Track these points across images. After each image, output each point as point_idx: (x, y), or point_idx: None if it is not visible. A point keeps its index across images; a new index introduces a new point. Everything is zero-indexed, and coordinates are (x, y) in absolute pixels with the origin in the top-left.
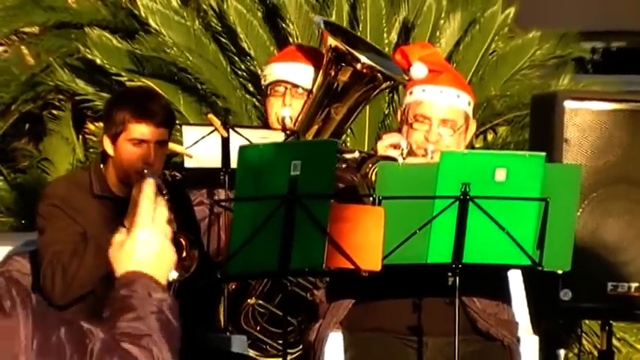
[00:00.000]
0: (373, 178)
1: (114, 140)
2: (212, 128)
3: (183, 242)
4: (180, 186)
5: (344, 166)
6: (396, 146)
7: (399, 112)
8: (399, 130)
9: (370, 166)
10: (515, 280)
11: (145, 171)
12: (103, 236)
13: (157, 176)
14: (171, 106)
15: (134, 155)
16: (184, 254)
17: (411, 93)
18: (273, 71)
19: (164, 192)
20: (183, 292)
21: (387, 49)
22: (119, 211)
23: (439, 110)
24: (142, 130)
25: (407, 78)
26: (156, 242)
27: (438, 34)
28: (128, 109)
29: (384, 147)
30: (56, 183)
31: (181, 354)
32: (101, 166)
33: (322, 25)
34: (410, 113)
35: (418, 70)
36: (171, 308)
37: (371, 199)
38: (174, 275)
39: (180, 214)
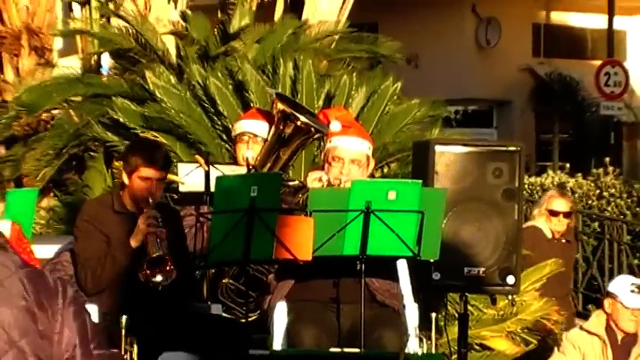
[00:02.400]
0: (304, 203)
1: (129, 175)
2: (198, 165)
3: (168, 260)
4: (176, 204)
5: (287, 190)
6: (320, 180)
7: (322, 155)
8: (322, 167)
9: (300, 195)
10: (402, 265)
11: (150, 199)
12: (118, 248)
13: (155, 203)
14: (169, 152)
15: (142, 187)
16: (169, 267)
17: (330, 141)
18: (241, 126)
19: (160, 223)
20: (181, 279)
21: (316, 111)
22: (131, 223)
23: (349, 153)
24: (148, 172)
25: (328, 131)
26: None
27: (350, 100)
28: (140, 156)
29: (311, 180)
30: (88, 204)
31: (178, 319)
32: (120, 191)
33: (274, 95)
34: (329, 155)
35: (334, 125)
36: None
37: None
38: (159, 279)
39: (173, 228)
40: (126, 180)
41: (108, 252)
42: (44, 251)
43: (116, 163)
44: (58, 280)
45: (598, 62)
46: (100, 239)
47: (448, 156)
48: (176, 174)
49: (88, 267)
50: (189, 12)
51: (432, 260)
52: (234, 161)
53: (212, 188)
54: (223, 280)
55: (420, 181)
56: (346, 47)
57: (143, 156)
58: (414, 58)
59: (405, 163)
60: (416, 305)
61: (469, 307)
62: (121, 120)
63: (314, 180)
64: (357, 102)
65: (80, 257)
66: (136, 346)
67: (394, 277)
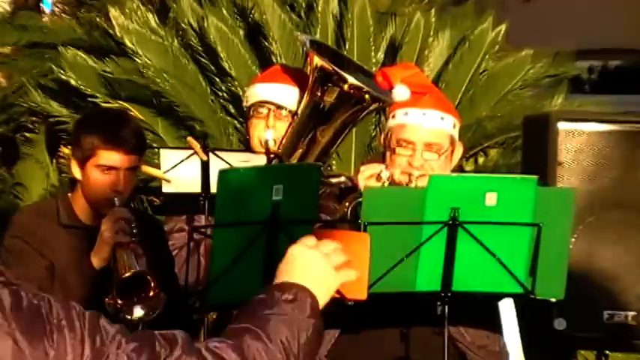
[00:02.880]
0: (353, 217)
1: (82, 165)
2: (191, 152)
3: (152, 282)
4: (158, 213)
5: (328, 191)
6: (378, 175)
7: (382, 137)
8: (383, 155)
9: (347, 204)
10: (507, 308)
11: (115, 199)
12: (70, 271)
13: (127, 209)
14: (144, 130)
15: (103, 182)
16: (152, 293)
17: (393, 116)
18: (256, 92)
19: (134, 229)
20: (161, 325)
21: (374, 69)
22: (88, 240)
23: (423, 134)
24: (112, 157)
25: (391, 100)
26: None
27: (426, 52)
28: (98, 135)
29: (364, 179)
30: (21, 213)
31: None
32: (69, 194)
33: (308, 44)
34: (393, 138)
35: (400, 92)
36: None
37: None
38: (139, 313)
39: (152, 246)
40: (77, 173)
41: (52, 286)
42: None
43: (65, 150)
44: None
45: None
46: (40, 265)
47: (578, 138)
48: (158, 167)
49: None
50: None
51: (553, 300)
52: (247, 147)
53: (213, 188)
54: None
55: (535, 177)
56: None
57: (102, 133)
58: None
59: (512, 150)
60: None
61: None
62: (73, 83)
63: (370, 176)
64: (437, 55)
65: None
66: None
67: (494, 326)
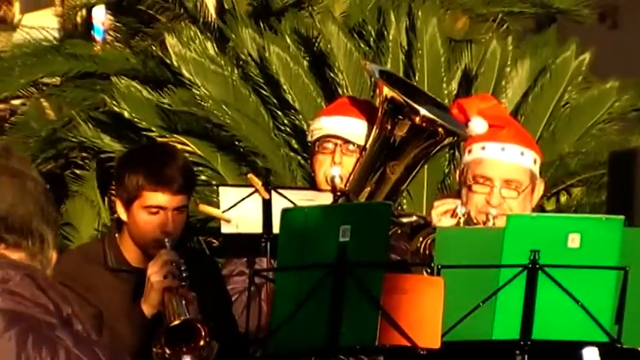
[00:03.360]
0: (426, 252)
1: (127, 206)
2: (252, 189)
3: (202, 330)
4: (217, 255)
5: (400, 230)
6: (453, 213)
7: (457, 173)
8: (458, 193)
9: (421, 239)
10: (592, 357)
11: (166, 241)
12: (119, 319)
13: (175, 246)
14: (200, 165)
15: (151, 224)
16: (202, 342)
17: (469, 151)
18: (322, 125)
19: (183, 272)
20: None
21: (446, 101)
22: (137, 284)
23: (501, 170)
24: (158, 198)
25: (467, 134)
26: None
27: (503, 83)
28: (142, 174)
29: (438, 215)
30: (66, 258)
31: None
32: (116, 235)
33: (377, 74)
34: (469, 174)
35: (477, 125)
36: None
37: (428, 268)
38: None
39: (209, 292)
40: (123, 215)
41: (103, 326)
42: None
43: None
44: None
45: None
46: (88, 312)
47: None
48: (217, 205)
49: None
50: None
51: None
52: (312, 184)
53: (275, 228)
54: None
55: (622, 217)
56: None
57: (147, 172)
58: (611, 13)
59: (596, 188)
60: None
61: None
62: (126, 115)
63: (444, 213)
64: (516, 86)
65: None
66: None
67: None
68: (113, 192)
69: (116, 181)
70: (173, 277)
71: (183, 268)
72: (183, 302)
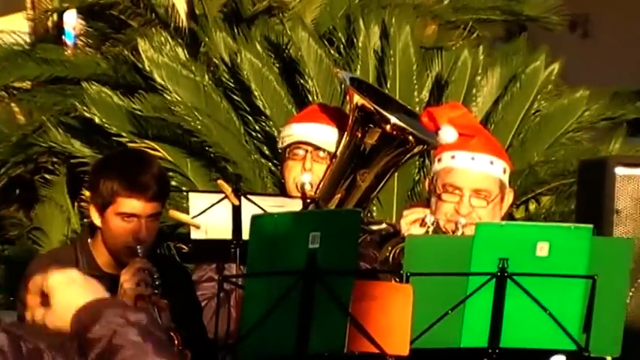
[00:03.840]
0: (395, 261)
1: (101, 211)
2: (222, 195)
3: (175, 339)
4: (186, 261)
5: (369, 238)
6: (422, 222)
7: (426, 181)
8: (428, 201)
9: (390, 249)
10: None
11: (138, 247)
12: None
13: (148, 253)
14: (171, 171)
15: (124, 230)
16: (176, 348)
17: (439, 160)
18: (293, 132)
19: (155, 280)
20: None
21: (417, 109)
22: (109, 290)
23: (471, 179)
24: (132, 204)
25: (437, 143)
26: None
27: (474, 91)
28: (117, 181)
29: (407, 224)
30: (37, 263)
31: None
32: (89, 240)
33: (348, 82)
34: (438, 182)
35: (447, 134)
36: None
37: (397, 277)
38: None
39: (179, 297)
40: (97, 220)
41: None
42: None
43: (87, 193)
44: None
45: None
46: None
47: (638, 184)
48: (187, 211)
49: None
50: None
51: (608, 359)
52: (282, 191)
53: (245, 235)
54: None
55: (591, 226)
56: (468, 3)
57: (122, 178)
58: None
59: (566, 197)
60: None
61: None
62: (97, 121)
63: (413, 222)
64: (487, 94)
65: None
66: None
67: None
68: (83, 197)
69: (91, 186)
70: (146, 285)
71: (155, 276)
72: (156, 310)
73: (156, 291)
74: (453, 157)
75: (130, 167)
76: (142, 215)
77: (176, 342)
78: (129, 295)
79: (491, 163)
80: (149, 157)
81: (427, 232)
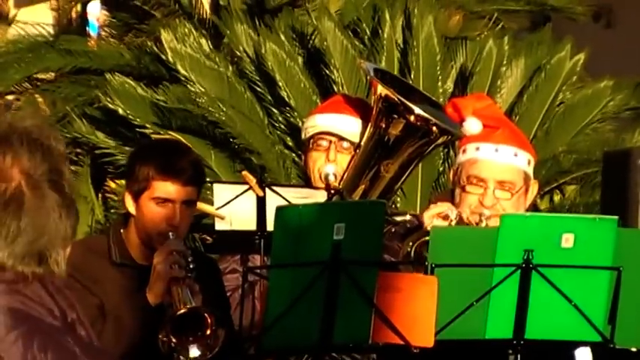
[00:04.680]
0: (417, 256)
1: (136, 198)
2: (246, 187)
3: (209, 319)
4: (210, 252)
5: (393, 230)
6: (446, 215)
7: (451, 173)
8: (452, 192)
9: (411, 244)
10: (584, 358)
11: (170, 234)
12: (123, 309)
13: (183, 241)
14: (202, 163)
15: (158, 215)
16: (209, 332)
17: (464, 151)
18: (317, 123)
19: (190, 263)
20: None
21: (441, 100)
22: (141, 280)
23: (495, 171)
24: (167, 188)
25: (461, 134)
26: None
27: (498, 82)
28: (153, 165)
29: (430, 217)
30: (71, 249)
31: None
32: (121, 230)
33: (372, 73)
34: (463, 174)
35: (472, 125)
36: None
37: (422, 268)
38: (195, 353)
39: (208, 287)
40: (131, 207)
41: (103, 325)
42: None
43: (112, 184)
44: None
45: None
46: (90, 303)
47: None
48: (211, 202)
49: None
50: None
51: (634, 350)
52: (306, 182)
53: (269, 226)
54: None
55: (616, 217)
56: None
57: (158, 163)
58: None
59: (590, 187)
60: None
61: None
62: (120, 112)
63: (437, 214)
64: (511, 85)
65: None
66: None
67: None
68: (108, 189)
69: (127, 173)
70: (180, 268)
71: (190, 260)
72: (189, 292)
73: (189, 274)
74: (477, 148)
75: (167, 153)
76: (177, 200)
77: (209, 322)
78: (163, 277)
79: (516, 155)
80: (185, 146)
81: (451, 223)
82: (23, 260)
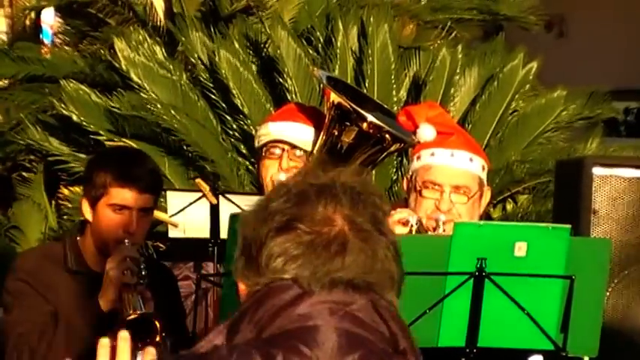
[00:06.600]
0: None
1: (93, 204)
2: (200, 194)
3: (158, 325)
4: (164, 259)
5: None
6: (404, 223)
7: (404, 181)
8: (406, 201)
9: None
10: None
11: (126, 241)
12: (75, 315)
13: (137, 248)
14: (159, 171)
15: (114, 222)
16: (158, 338)
17: (418, 158)
18: (270, 131)
19: (142, 270)
20: None
21: (395, 108)
22: (94, 287)
23: (451, 175)
24: (124, 195)
25: (414, 141)
26: None
27: (452, 91)
28: (110, 172)
29: (392, 224)
30: (26, 256)
31: None
32: (78, 237)
33: (325, 80)
34: (418, 180)
35: (426, 131)
36: None
37: None
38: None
39: (162, 294)
40: (88, 214)
41: (55, 330)
42: None
43: (65, 191)
44: None
45: None
46: (43, 309)
47: (615, 184)
48: (165, 210)
49: (25, 346)
50: None
51: (586, 358)
52: (259, 189)
53: (223, 233)
54: None
55: (568, 225)
56: (446, 3)
57: (116, 171)
58: (558, 22)
59: (543, 196)
60: None
61: None
62: (74, 119)
63: (398, 221)
64: (464, 93)
65: (12, 333)
66: None
67: None
68: (61, 196)
69: (84, 180)
70: (132, 274)
71: (142, 267)
72: (140, 298)
73: (142, 281)
74: (432, 154)
75: (125, 160)
76: (134, 207)
77: (159, 329)
78: (114, 283)
79: (471, 160)
80: (144, 154)
81: (411, 231)
82: (348, 285)
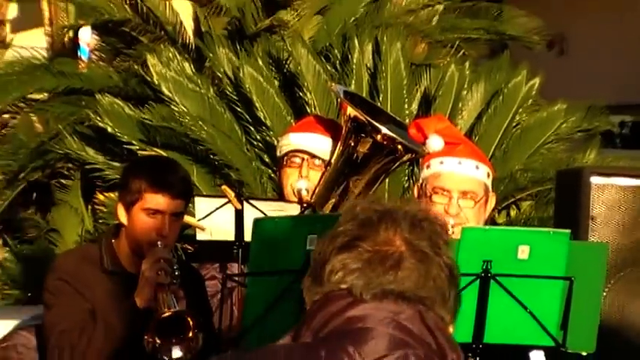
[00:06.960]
0: None
1: (128, 209)
2: (225, 200)
3: (191, 322)
4: (192, 260)
5: None
6: None
7: (415, 188)
8: None
9: None
10: None
11: (159, 243)
12: (111, 313)
13: (170, 250)
14: (189, 177)
15: (148, 225)
16: (191, 334)
17: (428, 166)
18: (290, 141)
19: (175, 270)
20: None
21: (407, 121)
22: (129, 287)
23: (459, 181)
24: (157, 200)
25: (424, 151)
26: None
27: (460, 105)
28: (145, 178)
29: None
30: (65, 257)
31: None
32: (113, 240)
33: (342, 95)
34: (428, 187)
35: (435, 142)
36: None
37: None
38: (177, 354)
39: (192, 293)
40: (123, 217)
41: (94, 328)
42: None
43: (101, 197)
44: None
45: None
46: (82, 307)
47: (612, 193)
48: (193, 214)
49: (66, 343)
50: None
51: (584, 353)
52: (281, 195)
53: (247, 237)
54: None
55: (568, 230)
56: (455, 23)
57: (151, 177)
58: (559, 41)
59: (544, 203)
60: None
61: None
62: (109, 130)
63: None
64: (471, 108)
65: (54, 331)
66: None
67: None
68: (97, 201)
69: (120, 185)
70: (166, 274)
71: (175, 267)
72: (174, 297)
73: (175, 280)
74: (441, 162)
75: (158, 168)
76: (167, 212)
77: (192, 325)
78: (149, 283)
79: (477, 167)
80: (175, 162)
81: None
82: (399, 297)
